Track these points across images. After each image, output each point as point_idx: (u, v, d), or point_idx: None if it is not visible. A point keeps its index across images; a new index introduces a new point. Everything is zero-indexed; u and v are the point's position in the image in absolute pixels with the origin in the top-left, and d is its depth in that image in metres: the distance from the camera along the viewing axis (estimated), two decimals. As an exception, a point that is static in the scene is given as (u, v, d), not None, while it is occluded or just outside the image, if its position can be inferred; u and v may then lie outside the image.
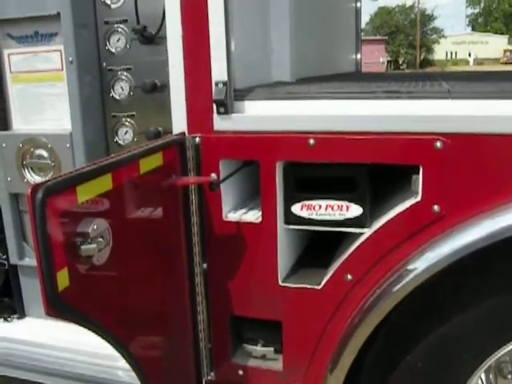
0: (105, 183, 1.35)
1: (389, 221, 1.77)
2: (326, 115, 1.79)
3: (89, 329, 1.31)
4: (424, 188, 1.71)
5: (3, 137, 2.37)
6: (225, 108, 1.83)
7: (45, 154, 2.32)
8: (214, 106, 1.85)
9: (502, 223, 1.65)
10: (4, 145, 2.37)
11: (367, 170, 1.83)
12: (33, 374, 2.43)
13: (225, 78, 1.83)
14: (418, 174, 1.72)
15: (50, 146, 2.29)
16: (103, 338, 1.38)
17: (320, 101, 1.83)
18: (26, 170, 2.37)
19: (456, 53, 72.88)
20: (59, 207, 1.17)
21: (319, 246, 2.26)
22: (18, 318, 2.66)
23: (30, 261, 2.53)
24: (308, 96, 1.86)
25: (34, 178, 2.37)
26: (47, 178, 2.24)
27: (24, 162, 2.37)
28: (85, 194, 1.26)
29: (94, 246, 1.23)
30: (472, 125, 1.66)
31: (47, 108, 2.34)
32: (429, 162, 1.69)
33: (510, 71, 4.60)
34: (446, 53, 72.63)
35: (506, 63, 54.39)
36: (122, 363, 2.27)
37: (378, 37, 60.02)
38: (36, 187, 1.12)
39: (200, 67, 1.86)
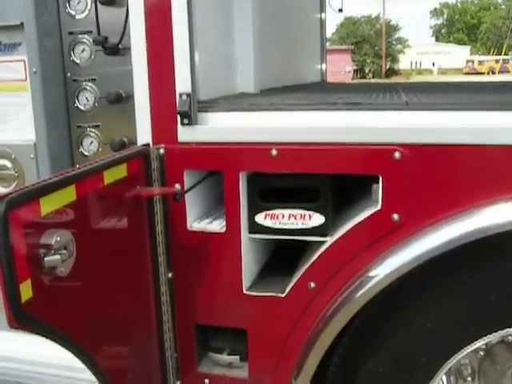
0: (68, 194, 1.35)
1: (350, 229, 1.82)
2: (287, 126, 1.83)
3: (53, 340, 1.31)
4: (384, 197, 1.76)
5: (-35, 147, 2.34)
6: (189, 119, 1.86)
7: (8, 164, 2.30)
8: (178, 118, 1.87)
9: (458, 230, 1.71)
10: (-34, 155, 2.34)
11: (329, 180, 1.87)
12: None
13: (189, 89, 1.85)
14: (377, 183, 1.77)
15: (13, 156, 2.27)
16: (68, 349, 1.38)
17: (282, 112, 1.87)
18: (-12, 181, 2.35)
19: (420, 62, 74.24)
20: (22, 219, 1.18)
21: (283, 255, 2.30)
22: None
23: None
24: (270, 107, 1.90)
25: (-4, 189, 2.34)
26: (10, 189, 2.28)
27: (-14, 173, 2.35)
28: (48, 205, 1.26)
29: (57, 257, 1.24)
30: (428, 136, 1.72)
31: (11, 118, 2.32)
32: (388, 172, 1.74)
33: (468, 82, 4.73)
34: (411, 62, 73.90)
35: (468, 73, 55.61)
36: (87, 375, 2.26)
37: (344, 46, 60.75)
38: (-2, 199, 1.12)
39: (164, 79, 1.88)
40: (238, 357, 2.08)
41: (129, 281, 1.81)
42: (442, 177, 1.72)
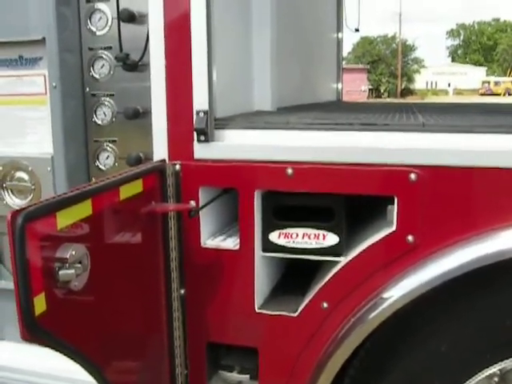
0: (85, 209, 1.36)
1: (364, 250, 1.81)
2: (303, 146, 1.83)
3: (65, 354, 1.31)
4: (398, 218, 1.75)
5: (-17, 159, 2.37)
6: (205, 136, 1.87)
7: (25, 176, 2.32)
8: (195, 135, 1.88)
9: (474, 253, 1.69)
10: (-16, 167, 2.37)
11: (344, 200, 1.87)
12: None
13: (206, 107, 1.87)
14: (392, 204, 1.76)
15: (30, 168, 2.30)
16: (79, 364, 1.38)
17: (298, 131, 1.87)
18: (6, 193, 2.37)
19: (436, 83, 74.28)
20: (38, 232, 1.19)
21: (296, 274, 2.29)
22: (-6, 342, 2.62)
23: (6, 283, 2.51)
24: (287, 126, 1.90)
25: (13, 201, 2.36)
26: (27, 201, 2.30)
27: (4, 185, 2.37)
28: (64, 219, 1.27)
29: (71, 271, 1.24)
30: (445, 157, 1.71)
31: (29, 131, 2.35)
32: (403, 193, 1.73)
33: (484, 104, 4.71)
34: (427, 82, 73.98)
35: (484, 94, 55.47)
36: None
37: (360, 66, 60.94)
38: (16, 213, 1.13)
39: (182, 96, 1.90)
40: (248, 375, 2.06)
41: (141, 296, 1.81)
42: (457, 199, 1.71)
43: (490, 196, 1.70)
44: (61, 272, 1.23)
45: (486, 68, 77.19)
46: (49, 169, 2.27)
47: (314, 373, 1.90)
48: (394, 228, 1.76)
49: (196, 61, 1.86)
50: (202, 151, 1.89)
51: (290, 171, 1.80)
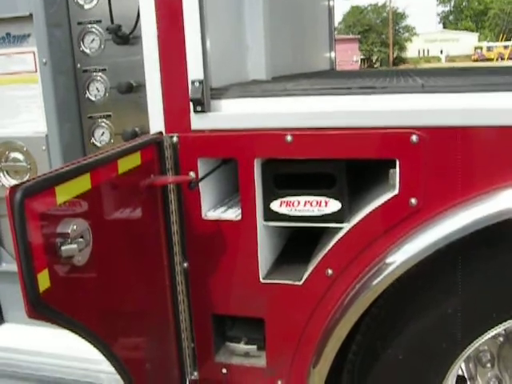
0: (83, 183, 1.34)
1: (367, 215, 1.79)
2: (302, 112, 1.80)
3: (71, 330, 1.30)
4: (401, 181, 1.73)
5: (-23, 141, 2.34)
6: (202, 107, 1.84)
7: (20, 156, 2.29)
8: (191, 105, 1.85)
9: (477, 214, 1.68)
10: (-22, 149, 2.34)
11: (345, 165, 1.84)
12: (14, 380, 2.40)
13: (201, 76, 1.83)
14: (394, 167, 1.74)
15: (25, 148, 2.26)
16: (86, 339, 1.37)
17: (296, 97, 1.84)
18: (2, 174, 2.34)
19: (428, 50, 73.72)
20: (38, 208, 1.16)
21: (299, 242, 2.28)
22: (-3, 325, 2.62)
23: (8, 266, 2.50)
24: (284, 93, 1.87)
25: (9, 182, 2.33)
26: (24, 181, 2.27)
27: (-1, 166, 2.34)
28: (64, 194, 1.25)
29: (74, 246, 1.22)
30: (446, 118, 1.69)
31: (21, 110, 2.31)
32: (405, 156, 1.71)
33: (480, 67, 4.68)
34: (419, 50, 73.40)
35: (476, 60, 55.16)
36: (104, 366, 2.25)
37: (351, 35, 60.44)
38: (14, 188, 1.11)
39: (176, 66, 1.86)
40: (255, 346, 2.06)
41: (144, 271, 1.80)
42: (460, 160, 1.69)
43: (492, 155, 1.68)
44: (63, 247, 1.21)
45: (478, 34, 76.62)
46: (44, 148, 2.24)
47: (320, 341, 1.90)
48: (396, 191, 1.74)
49: (189, 30, 1.82)
50: (198, 122, 1.86)
51: (289, 138, 1.78)
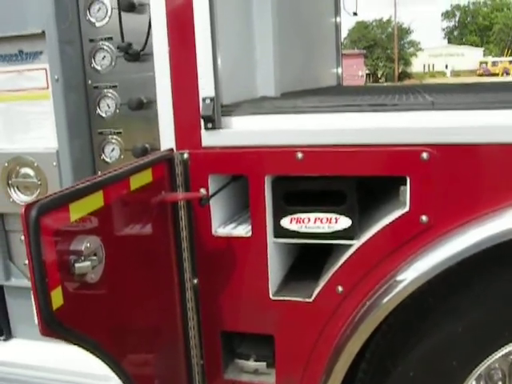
0: (96, 200, 1.34)
1: (377, 232, 1.79)
2: (312, 129, 1.81)
3: (83, 348, 1.29)
4: (412, 199, 1.73)
5: (-12, 157, 2.35)
6: (212, 123, 1.84)
7: (31, 172, 2.30)
8: (202, 122, 1.86)
9: (489, 231, 1.68)
10: (-11, 164, 2.35)
11: (355, 182, 1.84)
12: (21, 395, 2.39)
13: (212, 93, 1.84)
14: (405, 184, 1.74)
15: (36, 164, 2.27)
16: (97, 356, 1.37)
17: (306, 114, 1.85)
18: (12, 190, 2.35)
19: (433, 65, 73.90)
20: (52, 225, 1.17)
21: (308, 259, 2.27)
22: (5, 340, 2.61)
23: (17, 281, 2.50)
24: (294, 110, 1.88)
25: (19, 197, 2.34)
26: (33, 197, 2.28)
27: (9, 182, 2.35)
28: (77, 211, 1.25)
29: (87, 263, 1.22)
30: (456, 135, 1.69)
31: (32, 127, 2.32)
32: (416, 173, 1.71)
33: (487, 82, 4.69)
34: (424, 65, 73.61)
35: (482, 75, 55.20)
36: (113, 383, 2.25)
37: (357, 51, 60.65)
38: (30, 206, 1.11)
39: (187, 83, 1.87)
40: (264, 363, 2.05)
41: (154, 287, 1.80)
42: (471, 177, 1.70)
43: (504, 173, 1.68)
44: (77, 265, 1.22)
45: (483, 48, 76.81)
46: (54, 164, 2.25)
47: (330, 358, 1.89)
48: (407, 209, 1.74)
49: (200, 47, 1.83)
50: (209, 139, 1.87)
51: (299, 155, 1.78)
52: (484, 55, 71.58)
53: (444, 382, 1.86)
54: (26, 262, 2.39)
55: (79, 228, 1.27)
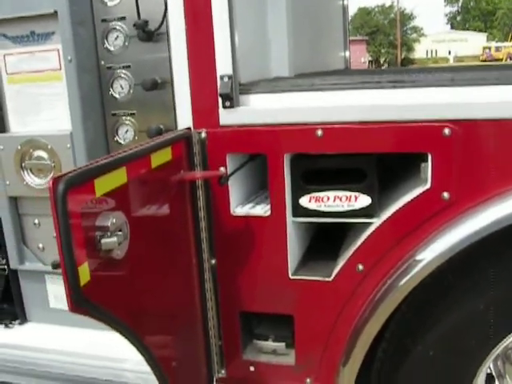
0: (120, 177, 1.32)
1: (398, 210, 1.77)
2: (332, 106, 1.78)
3: (108, 324, 1.28)
4: (433, 175, 1.71)
5: (1, 139, 2.33)
6: (231, 102, 1.82)
7: (44, 155, 2.28)
8: (220, 100, 1.84)
9: (511, 208, 1.66)
10: (2, 147, 2.33)
11: (375, 160, 1.83)
12: (36, 379, 2.39)
13: (230, 71, 1.82)
14: (426, 161, 1.72)
15: (49, 146, 2.26)
16: (121, 333, 1.36)
17: (326, 92, 1.82)
18: (26, 173, 2.34)
19: (436, 51, 73.45)
20: (79, 200, 1.15)
21: (325, 239, 2.26)
22: (20, 324, 2.61)
23: (31, 265, 2.50)
24: (313, 88, 1.85)
25: (33, 180, 2.33)
26: (47, 180, 2.26)
27: (23, 165, 2.33)
28: (102, 187, 1.23)
29: (113, 239, 1.21)
30: (478, 110, 1.67)
31: (45, 108, 2.30)
32: (437, 150, 1.69)
33: (496, 64, 4.65)
34: (427, 51, 73.17)
35: (485, 60, 54.85)
36: (129, 365, 2.25)
37: (359, 37, 60.36)
38: (57, 179, 1.09)
39: (204, 61, 1.85)
40: (283, 343, 2.04)
41: (174, 268, 1.79)
42: (493, 152, 1.67)
43: (526, 148, 1.65)
44: (103, 241, 1.20)
45: (486, 34, 76.29)
46: (68, 145, 2.23)
47: (350, 338, 1.88)
48: (428, 185, 1.72)
49: (218, 24, 1.80)
50: (227, 117, 1.85)
51: (319, 132, 1.76)
52: (487, 40, 71.10)
53: (463, 362, 1.85)
54: (40, 245, 2.44)
55: (104, 204, 1.25)
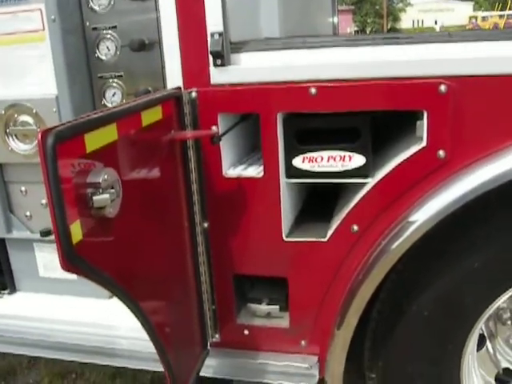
0: (110, 133, 1.28)
1: (393, 169, 1.75)
2: (326, 63, 1.74)
3: (103, 285, 1.25)
4: (429, 133, 1.68)
5: (-16, 105, 2.26)
6: (222, 60, 1.77)
7: (30, 120, 2.21)
8: (211, 59, 1.78)
9: (507, 166, 1.64)
10: (-15, 113, 2.26)
11: (369, 119, 1.79)
12: (28, 348, 2.37)
13: (221, 28, 1.76)
14: (421, 119, 1.69)
15: (34, 111, 2.19)
16: (115, 293, 1.33)
17: (319, 49, 1.78)
18: (10, 138, 2.27)
19: (423, 21, 73.05)
20: (70, 154, 1.10)
21: (316, 201, 2.24)
22: (9, 294, 2.58)
23: (19, 233, 2.45)
24: (306, 45, 1.81)
25: (19, 146, 2.27)
26: (33, 145, 2.20)
27: (7, 130, 2.26)
28: (92, 142, 1.19)
29: (106, 196, 1.17)
30: (475, 66, 1.63)
31: (29, 71, 2.22)
32: (433, 107, 1.66)
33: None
34: (413, 21, 72.74)
35: (471, 30, 54.61)
36: (121, 332, 2.23)
37: (345, 6, 59.79)
38: (46, 132, 1.04)
39: (194, 18, 1.79)
40: (277, 307, 2.03)
41: (166, 230, 1.75)
42: (490, 110, 1.65)
43: (524, 105, 1.63)
44: (95, 197, 1.16)
45: (473, 3, 75.87)
46: (54, 110, 2.16)
47: (345, 300, 1.87)
48: (424, 144, 1.70)
49: (208, -21, 1.74)
50: (218, 76, 1.80)
51: (313, 90, 1.72)
52: (474, 10, 70.79)
53: (457, 322, 1.85)
54: (28, 213, 2.39)
55: (95, 160, 1.21)
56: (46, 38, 2.13)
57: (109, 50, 2.18)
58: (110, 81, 2.20)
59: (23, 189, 2.39)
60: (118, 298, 1.33)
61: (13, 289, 2.59)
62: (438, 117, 1.66)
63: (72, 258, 1.09)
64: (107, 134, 1.27)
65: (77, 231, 1.12)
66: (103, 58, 2.19)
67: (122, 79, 2.19)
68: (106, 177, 1.20)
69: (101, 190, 1.17)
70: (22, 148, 2.27)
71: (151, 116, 1.53)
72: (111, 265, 1.28)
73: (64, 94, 2.14)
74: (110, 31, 2.16)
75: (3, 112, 2.24)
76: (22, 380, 3.14)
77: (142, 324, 1.45)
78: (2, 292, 2.59)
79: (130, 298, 1.37)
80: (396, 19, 68.67)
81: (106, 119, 1.26)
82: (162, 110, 1.61)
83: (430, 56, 1.68)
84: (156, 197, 1.63)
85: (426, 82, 1.65)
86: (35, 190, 2.33)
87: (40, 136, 1.01)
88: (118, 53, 2.17)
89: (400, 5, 71.65)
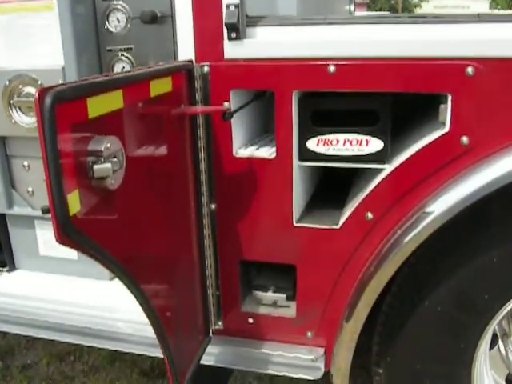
0: (116, 100, 1.19)
1: (412, 155, 1.66)
2: (347, 40, 1.65)
3: (97, 260, 1.16)
4: (452, 118, 1.59)
5: (-13, 75, 2.18)
6: (237, 33, 1.68)
7: (34, 91, 2.13)
8: (225, 32, 1.69)
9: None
10: (-12, 83, 2.18)
11: (389, 102, 1.70)
12: (26, 327, 2.31)
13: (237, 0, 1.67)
14: (445, 103, 1.60)
15: (40, 82, 2.10)
16: (112, 270, 1.24)
17: (340, 26, 1.68)
18: (14, 110, 2.19)
19: (437, 18, 72.28)
20: (70, 118, 1.02)
21: (329, 187, 2.15)
22: (9, 271, 2.52)
23: (20, 209, 2.38)
24: (327, 22, 1.71)
25: (22, 119, 2.19)
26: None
27: (11, 102, 2.18)
28: (95, 108, 1.10)
29: (107, 165, 1.08)
30: (506, 49, 1.54)
31: (35, 41, 2.14)
32: (459, 90, 1.57)
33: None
34: (428, 18, 71.97)
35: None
36: (121, 315, 2.16)
37: (360, 0, 59.37)
38: (44, 90, 0.96)
39: (209, -12, 1.70)
40: (284, 295, 1.96)
41: (171, 209, 1.67)
42: (520, 95, 1.55)
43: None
44: (95, 166, 1.08)
45: (489, 0, 75.14)
46: (60, 81, 2.07)
47: (356, 291, 1.79)
48: (446, 129, 1.61)
49: None
50: (233, 50, 1.70)
51: (332, 68, 1.63)
52: (490, 8, 70.11)
53: (472, 320, 1.77)
54: (30, 189, 2.32)
55: (98, 127, 1.12)
56: (54, 6, 2.04)
57: (119, 22, 2.10)
58: (119, 54, 2.12)
59: (26, 164, 2.32)
60: (115, 274, 1.25)
61: (12, 266, 2.53)
62: (464, 101, 1.57)
63: (67, 230, 1.00)
64: (112, 101, 1.18)
65: (74, 202, 1.04)
66: (113, 29, 2.11)
67: (131, 53, 2.11)
68: (108, 145, 1.11)
69: (102, 159, 1.08)
70: (26, 121, 2.19)
71: (160, 87, 1.45)
72: (110, 240, 1.20)
73: (71, 66, 2.06)
74: (120, 2, 2.08)
75: (7, 83, 2.16)
76: (20, 360, 3.10)
77: (142, 306, 1.37)
78: (1, 269, 2.53)
79: (128, 276, 1.29)
80: (411, 15, 68.11)
81: (112, 84, 1.18)
82: (172, 81, 1.52)
83: (457, 36, 1.59)
84: (161, 173, 1.54)
85: (453, 64, 1.56)
86: (38, 165, 2.25)
87: (37, 95, 0.93)
88: (129, 25, 2.08)
89: (415, 0, 71.11)
